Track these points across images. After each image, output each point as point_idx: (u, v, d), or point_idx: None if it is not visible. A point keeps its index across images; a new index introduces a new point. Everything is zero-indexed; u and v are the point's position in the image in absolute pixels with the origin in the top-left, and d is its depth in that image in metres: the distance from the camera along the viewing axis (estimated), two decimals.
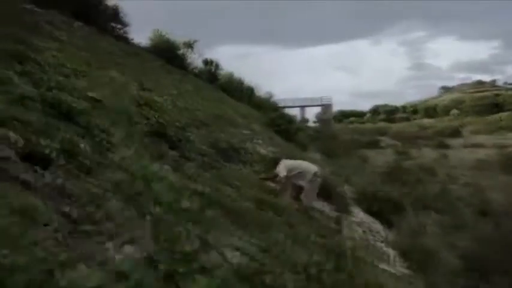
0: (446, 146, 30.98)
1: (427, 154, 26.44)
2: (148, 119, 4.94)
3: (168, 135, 4.91)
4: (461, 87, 68.44)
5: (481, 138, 34.63)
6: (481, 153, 24.93)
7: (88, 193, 2.64)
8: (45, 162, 2.61)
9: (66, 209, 2.31)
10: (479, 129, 41.42)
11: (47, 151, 2.48)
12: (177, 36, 18.71)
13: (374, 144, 33.67)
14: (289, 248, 4.03)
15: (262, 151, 8.18)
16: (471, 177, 16.46)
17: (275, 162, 7.09)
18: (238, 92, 22.90)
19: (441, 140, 33.57)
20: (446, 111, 56.27)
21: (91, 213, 2.48)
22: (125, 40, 14.39)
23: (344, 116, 58.79)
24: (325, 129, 32.20)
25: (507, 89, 60.32)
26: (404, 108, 64.56)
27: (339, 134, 33.13)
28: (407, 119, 57.38)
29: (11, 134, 2.36)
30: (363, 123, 57.30)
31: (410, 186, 14.64)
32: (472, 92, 60.22)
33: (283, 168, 6.22)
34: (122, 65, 9.46)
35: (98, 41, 10.88)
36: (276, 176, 6.21)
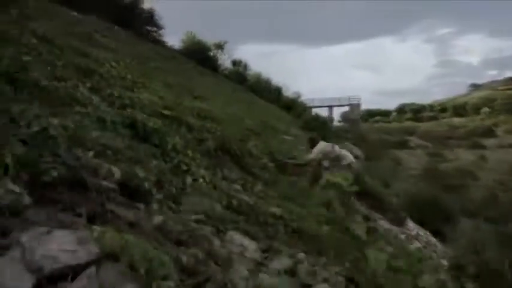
0: (481, 147, 29.66)
1: (463, 156, 25.39)
2: (211, 132, 4.72)
3: (231, 150, 4.66)
4: (492, 84, 65.77)
5: None
6: None
7: (188, 230, 2.39)
8: (141, 195, 2.38)
9: (176, 253, 2.07)
10: None
11: (146, 185, 2.25)
12: (201, 36, 18.64)
13: (403, 145, 32.75)
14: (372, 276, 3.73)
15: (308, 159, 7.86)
16: None
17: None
18: (266, 92, 22.60)
19: (475, 140, 32.17)
20: (476, 109, 54.05)
21: (194, 255, 2.23)
22: (160, 43, 14.34)
23: (370, 115, 57.24)
24: (353, 128, 31.49)
25: None
26: (431, 106, 62.39)
27: (367, 134, 32.34)
28: (435, 118, 55.37)
29: (114, 168, 2.14)
30: (389, 122, 55.83)
31: (453, 191, 14.00)
32: (504, 89, 57.67)
33: (317, 150, 5.88)
34: (161, 69, 9.33)
35: (136, 45, 10.81)
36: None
